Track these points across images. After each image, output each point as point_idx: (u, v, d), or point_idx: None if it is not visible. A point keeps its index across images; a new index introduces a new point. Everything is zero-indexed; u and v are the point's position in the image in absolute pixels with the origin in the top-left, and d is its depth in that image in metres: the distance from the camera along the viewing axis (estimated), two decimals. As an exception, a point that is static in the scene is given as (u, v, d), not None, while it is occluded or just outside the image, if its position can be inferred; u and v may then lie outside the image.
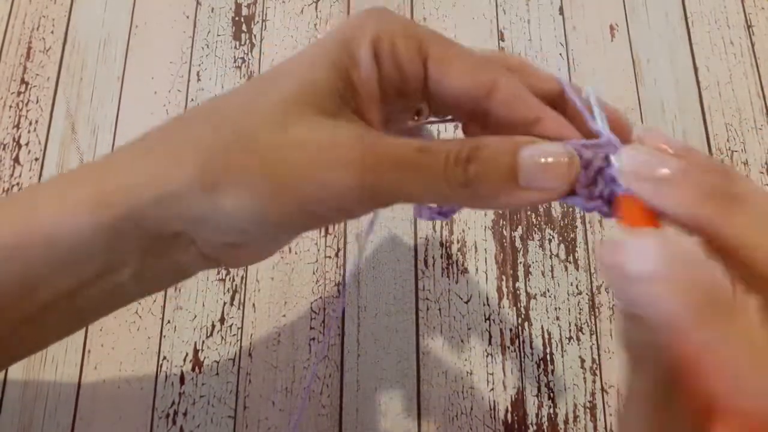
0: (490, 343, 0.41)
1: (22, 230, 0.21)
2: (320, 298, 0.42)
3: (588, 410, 0.40)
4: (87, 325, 0.24)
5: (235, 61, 0.48)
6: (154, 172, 0.21)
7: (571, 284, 0.42)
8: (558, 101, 0.24)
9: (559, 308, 0.42)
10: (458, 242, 0.43)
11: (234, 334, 0.41)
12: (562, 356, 0.41)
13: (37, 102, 0.47)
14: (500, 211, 0.44)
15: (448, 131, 0.45)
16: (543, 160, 0.20)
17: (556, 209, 0.44)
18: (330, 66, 0.21)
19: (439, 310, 0.42)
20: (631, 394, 0.20)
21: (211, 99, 0.23)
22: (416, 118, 0.25)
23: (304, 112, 0.20)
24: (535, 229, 0.44)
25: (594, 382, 0.40)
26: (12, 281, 0.21)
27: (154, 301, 0.42)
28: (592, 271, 0.43)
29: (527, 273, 0.43)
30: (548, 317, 0.42)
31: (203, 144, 0.21)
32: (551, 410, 0.40)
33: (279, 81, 0.21)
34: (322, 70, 0.21)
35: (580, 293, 0.42)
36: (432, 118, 0.25)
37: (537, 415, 0.40)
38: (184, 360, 0.41)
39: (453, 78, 0.22)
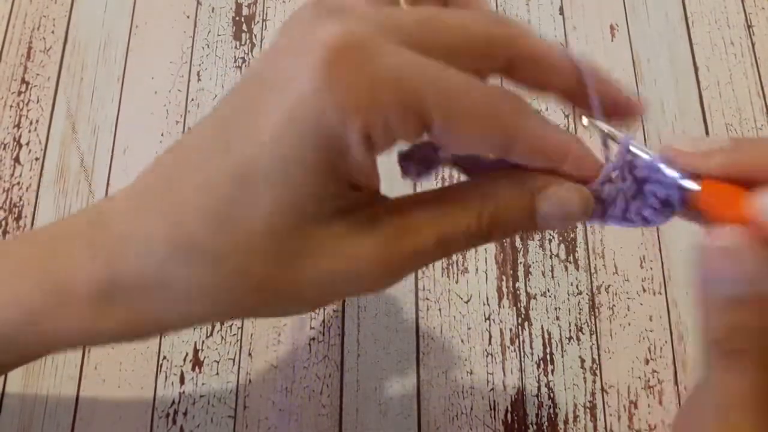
0: (490, 343, 0.41)
1: None
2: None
3: (588, 410, 0.40)
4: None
5: (235, 61, 0.48)
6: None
7: (571, 284, 0.42)
8: (578, 89, 0.22)
9: (559, 308, 0.42)
10: (458, 242, 0.43)
11: (234, 334, 0.41)
12: (562, 356, 0.41)
13: (38, 102, 0.47)
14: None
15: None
16: (561, 209, 0.21)
17: (556, 209, 0.44)
18: (314, 167, 0.18)
19: (439, 310, 0.42)
20: (731, 398, 0.19)
21: (203, 137, 0.20)
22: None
23: (294, 229, 0.19)
24: (535, 229, 0.44)
25: (594, 382, 0.40)
26: None
27: (154, 300, 0.42)
28: (592, 271, 0.43)
29: (527, 273, 0.43)
30: (548, 317, 0.42)
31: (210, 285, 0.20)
32: (551, 410, 0.40)
33: (258, 175, 0.18)
34: (306, 173, 0.18)
35: (580, 293, 0.42)
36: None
37: (537, 415, 0.40)
38: (184, 360, 0.41)
39: (462, 144, 0.20)
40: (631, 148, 0.22)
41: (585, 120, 0.22)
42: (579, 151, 0.21)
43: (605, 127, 0.22)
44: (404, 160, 0.23)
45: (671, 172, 0.20)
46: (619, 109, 0.23)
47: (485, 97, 0.19)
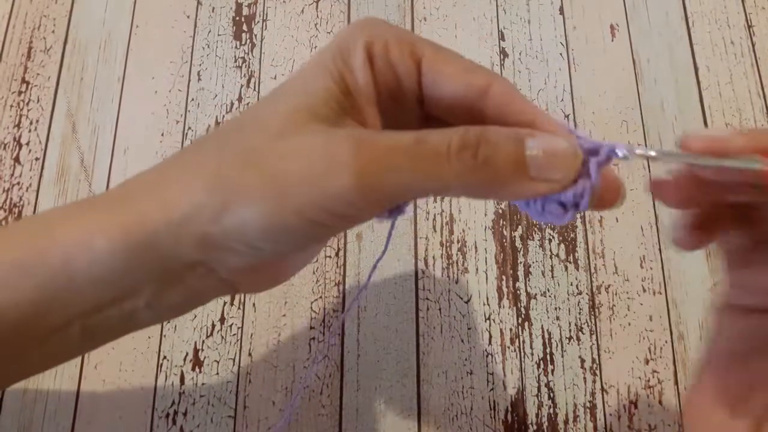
0: (490, 343, 0.41)
1: (38, 252, 0.21)
2: (320, 298, 0.42)
3: (588, 410, 0.40)
4: (95, 348, 0.24)
5: (235, 61, 0.48)
6: (166, 198, 0.21)
7: (571, 284, 0.42)
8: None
9: (559, 308, 0.42)
10: (458, 242, 0.43)
11: (234, 334, 0.41)
12: (562, 356, 0.41)
13: (38, 101, 0.47)
14: (500, 211, 0.44)
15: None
16: (550, 150, 0.20)
17: (557, 209, 0.44)
18: (325, 75, 0.22)
19: (439, 310, 0.42)
20: None
21: (227, 119, 0.23)
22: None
23: (302, 123, 0.21)
24: (535, 229, 0.44)
25: (594, 382, 0.40)
26: (25, 303, 0.21)
27: (155, 300, 0.42)
28: (592, 271, 0.43)
29: (527, 273, 0.43)
30: (548, 317, 0.42)
31: (210, 167, 0.21)
32: (551, 410, 0.40)
33: (280, 97, 0.22)
34: (319, 80, 0.22)
35: (580, 293, 0.42)
36: None
37: (537, 415, 0.40)
38: (184, 360, 0.41)
39: (446, 80, 0.22)
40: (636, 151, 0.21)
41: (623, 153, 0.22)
42: (547, 115, 0.23)
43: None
44: None
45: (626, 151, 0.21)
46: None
47: (468, 60, 0.23)
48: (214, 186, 0.20)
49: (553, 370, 0.41)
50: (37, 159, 0.46)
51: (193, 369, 0.40)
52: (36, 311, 0.21)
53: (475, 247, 0.43)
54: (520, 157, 0.20)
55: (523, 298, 0.42)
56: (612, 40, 0.49)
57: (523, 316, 0.42)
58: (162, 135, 0.46)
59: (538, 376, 0.40)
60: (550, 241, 0.43)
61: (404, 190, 0.20)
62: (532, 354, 0.41)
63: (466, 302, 0.42)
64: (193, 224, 0.20)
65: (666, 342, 0.41)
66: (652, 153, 0.21)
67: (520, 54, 0.49)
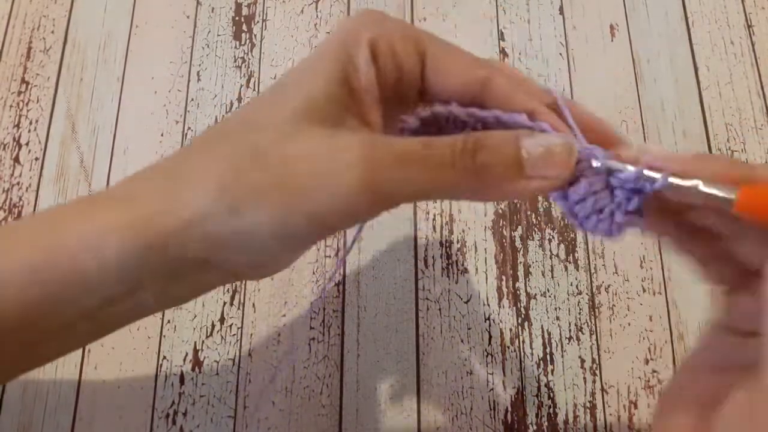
0: (490, 343, 0.41)
1: (47, 250, 0.21)
2: (320, 297, 0.42)
3: (588, 410, 0.40)
4: (103, 336, 0.24)
5: (235, 61, 0.48)
6: (176, 199, 0.21)
7: (571, 284, 0.42)
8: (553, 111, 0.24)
9: (559, 308, 0.42)
10: (458, 242, 0.43)
11: (234, 334, 0.41)
12: (562, 356, 0.41)
13: (38, 101, 0.47)
14: (500, 211, 0.44)
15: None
16: (544, 148, 0.21)
17: (556, 209, 0.44)
18: (330, 74, 0.22)
19: (439, 310, 0.42)
20: None
21: (230, 115, 0.23)
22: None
23: (309, 124, 0.21)
24: (535, 229, 0.44)
25: (594, 382, 0.40)
26: (35, 301, 0.21)
27: (154, 301, 0.42)
28: (592, 271, 0.43)
29: (527, 273, 0.43)
30: (548, 317, 0.42)
31: (219, 168, 0.21)
32: (551, 410, 0.40)
33: (284, 94, 0.22)
34: (323, 79, 0.22)
35: (580, 293, 0.42)
36: (437, 106, 0.24)
37: (537, 415, 0.40)
38: (184, 360, 0.41)
39: (449, 73, 0.23)
40: (610, 163, 0.22)
41: (597, 163, 0.23)
42: (546, 108, 0.23)
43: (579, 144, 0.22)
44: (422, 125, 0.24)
45: (649, 175, 0.21)
46: (594, 136, 0.23)
47: (471, 54, 0.23)
48: (224, 188, 0.20)
49: (553, 370, 0.41)
50: (36, 159, 0.46)
51: (193, 369, 0.40)
52: (45, 310, 0.21)
53: (475, 247, 0.43)
54: (516, 158, 0.21)
55: (523, 298, 0.42)
56: (612, 40, 0.49)
57: (522, 316, 0.42)
58: (162, 135, 0.46)
59: (538, 376, 0.40)
60: (550, 241, 0.43)
61: (412, 194, 0.21)
62: (532, 354, 0.41)
63: (466, 302, 0.42)
64: (202, 226, 0.21)
65: (666, 342, 0.41)
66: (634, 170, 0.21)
67: (519, 54, 0.49)
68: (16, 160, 0.46)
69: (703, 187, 0.20)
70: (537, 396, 0.40)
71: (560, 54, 0.49)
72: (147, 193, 0.22)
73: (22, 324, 0.21)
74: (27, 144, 0.46)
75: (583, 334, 0.41)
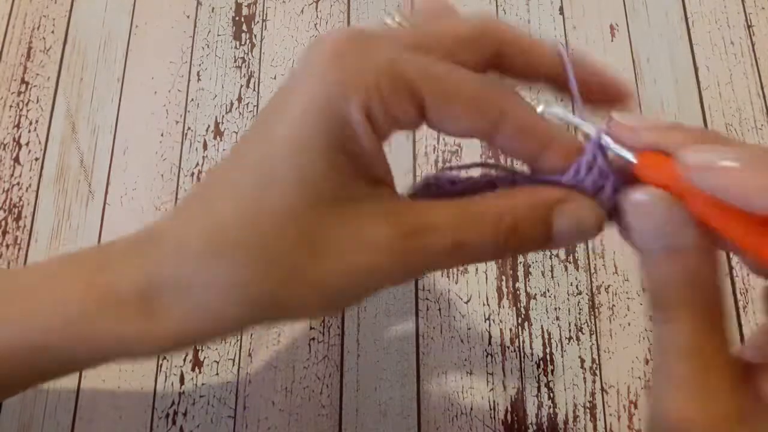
0: (490, 343, 0.41)
1: (11, 322, 0.22)
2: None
3: (588, 410, 0.40)
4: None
5: (235, 61, 0.48)
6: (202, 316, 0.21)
7: (571, 284, 0.42)
8: (560, 75, 0.23)
9: (559, 308, 0.42)
10: (458, 242, 0.43)
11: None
12: (562, 356, 0.41)
13: (38, 102, 0.47)
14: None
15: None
16: (576, 225, 0.21)
17: (556, 209, 0.44)
18: (326, 148, 0.20)
19: (439, 310, 0.42)
20: (669, 350, 0.19)
21: (201, 188, 0.23)
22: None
23: (326, 208, 0.20)
24: (535, 229, 0.44)
25: (594, 382, 0.40)
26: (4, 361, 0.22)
27: (154, 301, 0.42)
28: (592, 271, 0.43)
29: (527, 273, 0.43)
30: (548, 317, 0.42)
31: (236, 280, 0.20)
32: (551, 410, 0.40)
33: (282, 187, 0.20)
34: (319, 155, 0.20)
35: (580, 293, 0.42)
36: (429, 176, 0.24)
37: (537, 415, 0.40)
38: (184, 360, 0.41)
39: (454, 123, 0.21)
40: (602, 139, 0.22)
41: (541, 107, 0.22)
42: (565, 135, 0.22)
43: (572, 119, 0.22)
44: (419, 195, 0.24)
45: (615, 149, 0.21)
46: (605, 94, 0.24)
47: (474, 81, 0.21)
48: (254, 305, 0.20)
49: (552, 371, 0.41)
50: (36, 159, 0.46)
51: (193, 369, 0.40)
52: (15, 369, 0.22)
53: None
54: (548, 236, 0.21)
55: (523, 298, 0.42)
56: (612, 40, 0.49)
57: (522, 316, 0.42)
58: (162, 135, 0.46)
59: (538, 376, 0.40)
60: (550, 241, 0.43)
61: (440, 267, 0.22)
62: (532, 354, 0.41)
63: (466, 302, 0.42)
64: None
65: (666, 342, 0.41)
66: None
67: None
68: (16, 160, 0.46)
69: (613, 146, 0.21)
70: (537, 396, 0.40)
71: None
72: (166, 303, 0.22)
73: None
74: (27, 144, 0.46)
75: (583, 334, 0.41)
